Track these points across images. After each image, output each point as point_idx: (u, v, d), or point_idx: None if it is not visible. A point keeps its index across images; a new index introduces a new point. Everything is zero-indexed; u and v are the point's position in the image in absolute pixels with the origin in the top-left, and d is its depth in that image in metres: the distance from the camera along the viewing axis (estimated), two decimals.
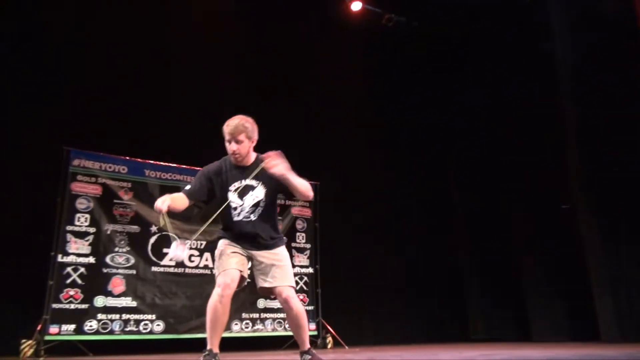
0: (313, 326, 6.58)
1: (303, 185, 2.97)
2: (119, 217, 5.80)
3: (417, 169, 8.48)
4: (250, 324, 6.24)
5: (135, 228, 5.85)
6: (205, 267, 6.15)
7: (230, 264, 2.93)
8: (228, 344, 5.99)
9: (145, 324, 5.62)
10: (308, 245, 6.92)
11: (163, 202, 2.75)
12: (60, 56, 6.02)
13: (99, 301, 5.44)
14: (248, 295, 6.32)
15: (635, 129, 6.06)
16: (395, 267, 7.68)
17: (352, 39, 8.21)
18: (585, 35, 6.76)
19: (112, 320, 5.45)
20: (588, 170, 6.64)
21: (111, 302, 5.50)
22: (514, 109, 7.92)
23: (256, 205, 2.98)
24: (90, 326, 5.32)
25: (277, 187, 3.02)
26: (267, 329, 6.32)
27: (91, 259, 5.51)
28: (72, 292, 5.32)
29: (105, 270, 5.56)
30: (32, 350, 4.86)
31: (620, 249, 6.30)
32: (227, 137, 2.94)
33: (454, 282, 8.38)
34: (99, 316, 5.39)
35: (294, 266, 6.61)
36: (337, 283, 7.00)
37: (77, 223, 5.54)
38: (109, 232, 5.69)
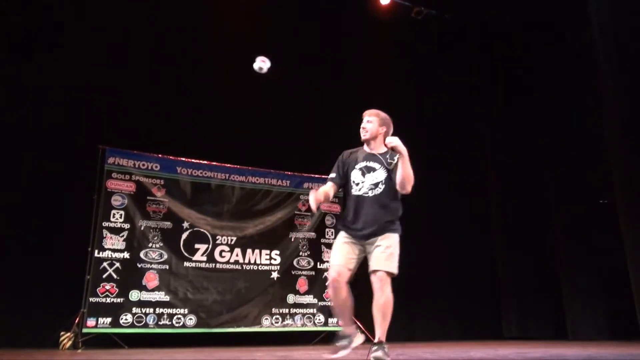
0: None
1: (409, 173, 3.17)
2: (152, 214, 5.94)
3: (451, 163, 8.33)
4: (280, 319, 6.28)
5: (167, 224, 5.98)
6: (236, 262, 6.23)
7: (336, 258, 3.18)
8: (258, 339, 6.08)
9: (178, 318, 5.74)
10: None
11: (316, 193, 3.15)
12: (95, 57, 6.19)
13: (134, 295, 5.58)
14: (278, 290, 6.38)
15: None
16: (427, 263, 7.58)
17: (381, 33, 8.12)
18: (625, 25, 6.50)
19: (146, 314, 5.59)
20: (628, 164, 6.40)
21: (145, 296, 5.64)
22: (554, 101, 7.70)
23: (375, 184, 3.20)
24: (126, 319, 5.47)
25: (395, 178, 3.18)
26: (297, 324, 6.35)
27: (126, 254, 5.66)
28: (108, 287, 5.48)
29: (139, 265, 5.70)
30: (70, 343, 5.03)
31: None
32: (363, 115, 3.38)
33: (488, 278, 8.22)
34: (134, 310, 5.54)
35: (323, 262, 6.70)
36: (367, 279, 6.95)
37: (112, 219, 5.70)
38: (142, 228, 5.83)
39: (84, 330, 5.21)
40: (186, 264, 5.96)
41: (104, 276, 5.48)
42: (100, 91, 6.14)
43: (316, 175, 7.03)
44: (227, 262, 6.19)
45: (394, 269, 3.15)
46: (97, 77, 6.14)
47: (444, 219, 8.00)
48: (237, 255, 6.26)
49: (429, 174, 8.11)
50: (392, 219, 3.21)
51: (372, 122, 3.36)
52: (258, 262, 6.36)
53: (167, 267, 5.85)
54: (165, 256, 5.87)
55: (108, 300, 5.44)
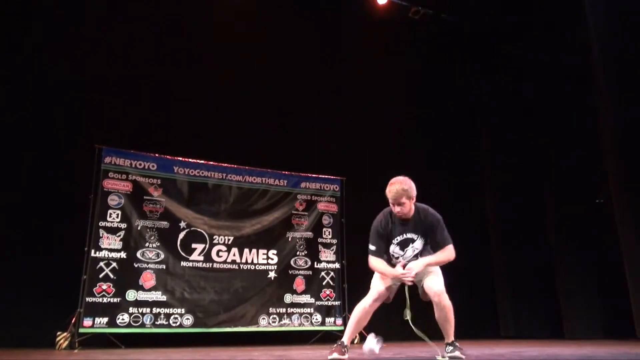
0: (340, 321, 6.59)
1: (445, 258, 3.39)
2: (149, 213, 5.93)
3: (447, 163, 8.35)
4: (277, 318, 6.29)
5: (164, 224, 5.97)
6: (233, 262, 6.23)
7: (381, 285, 3.42)
8: (255, 339, 6.08)
9: (175, 318, 5.74)
10: (334, 241, 6.92)
11: (404, 275, 3.24)
12: (92, 56, 6.18)
13: (131, 295, 5.57)
14: (275, 290, 6.38)
15: None
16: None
17: (379, 32, 8.13)
18: (621, 25, 6.52)
19: (143, 314, 5.58)
20: (623, 164, 6.42)
21: (142, 296, 5.63)
22: (548, 102, 7.72)
23: (416, 256, 3.38)
24: (122, 319, 5.46)
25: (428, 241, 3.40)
26: (294, 324, 6.36)
27: (122, 254, 5.65)
28: (104, 286, 5.47)
29: (136, 265, 5.70)
30: (67, 343, 5.02)
31: None
32: (390, 201, 3.32)
33: (484, 278, 8.24)
34: (131, 310, 5.53)
35: (320, 261, 6.71)
36: (364, 279, 6.95)
37: (109, 219, 5.69)
38: (139, 227, 5.82)
39: (81, 330, 5.20)
40: (183, 263, 5.96)
41: (101, 276, 5.48)
42: (97, 90, 6.13)
43: (313, 175, 7.03)
44: (224, 262, 6.19)
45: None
46: (94, 76, 6.13)
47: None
48: (234, 254, 6.26)
49: (424, 173, 8.14)
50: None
51: (404, 203, 3.29)
52: (255, 261, 6.36)
53: (164, 266, 5.84)
54: (162, 256, 5.86)
55: (105, 300, 5.43)
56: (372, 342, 3.26)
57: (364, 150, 7.69)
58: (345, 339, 3.30)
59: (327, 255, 6.82)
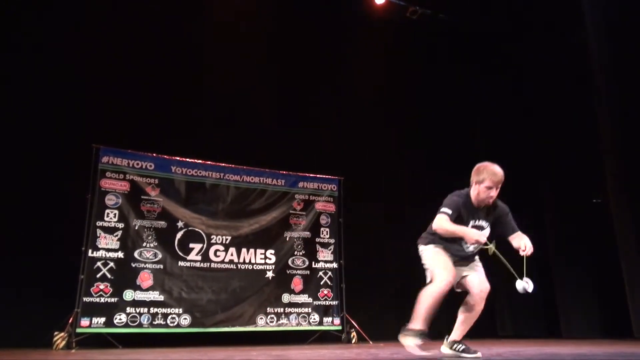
0: (337, 321, 6.58)
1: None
2: (146, 213, 5.91)
3: (443, 164, 8.34)
4: (275, 318, 6.28)
5: (162, 224, 5.96)
6: (231, 261, 6.22)
7: (451, 266, 3.28)
8: (252, 338, 6.08)
9: (173, 318, 5.73)
10: (332, 240, 6.91)
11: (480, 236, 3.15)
12: (89, 55, 6.16)
13: (128, 295, 5.56)
14: (273, 289, 6.37)
15: None
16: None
17: (378, 32, 8.14)
18: (618, 26, 6.53)
19: (140, 314, 5.57)
20: (622, 164, 6.43)
21: (139, 296, 5.62)
22: (546, 102, 7.73)
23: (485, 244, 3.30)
24: (120, 319, 5.45)
25: (502, 230, 3.42)
26: (292, 324, 6.35)
27: (120, 254, 5.63)
28: (102, 286, 5.46)
29: (133, 265, 5.68)
30: (64, 343, 5.00)
31: None
32: (490, 184, 3.22)
33: None
34: (128, 309, 5.52)
35: (318, 261, 6.71)
36: (362, 278, 6.98)
37: (106, 219, 5.67)
38: (137, 227, 5.81)
39: (78, 330, 5.18)
40: (181, 263, 5.95)
41: (98, 276, 5.46)
42: (95, 90, 6.11)
43: (311, 175, 7.03)
44: (222, 262, 6.18)
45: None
46: (92, 75, 6.12)
47: None
48: (231, 254, 6.25)
49: (423, 173, 8.15)
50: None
51: (498, 190, 3.28)
52: (253, 261, 6.35)
53: (162, 266, 5.83)
54: (160, 256, 5.85)
55: (102, 300, 5.42)
56: (524, 284, 3.17)
57: (362, 150, 7.69)
58: (424, 326, 3.15)
59: (324, 255, 6.81)
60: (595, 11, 6.84)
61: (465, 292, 3.46)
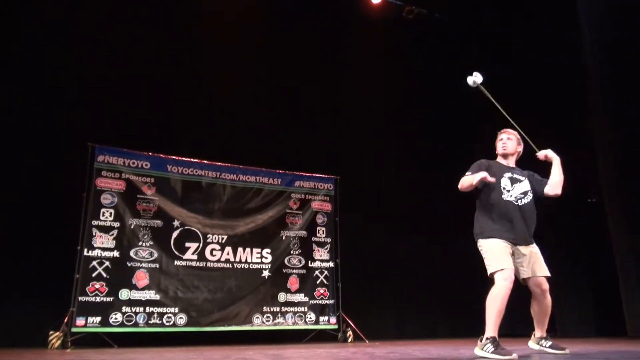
0: (334, 320, 6.59)
1: (562, 177, 3.54)
2: (142, 212, 5.90)
3: (439, 163, 8.35)
4: (271, 317, 6.28)
5: (158, 222, 5.95)
6: (227, 261, 6.21)
7: (509, 261, 3.26)
8: (249, 338, 6.07)
9: (168, 317, 5.72)
10: (328, 240, 6.92)
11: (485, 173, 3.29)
12: (85, 54, 6.14)
13: (124, 294, 5.55)
14: (269, 288, 6.37)
15: None
16: (417, 261, 7.61)
17: (373, 31, 8.14)
18: (612, 26, 6.56)
19: (136, 313, 5.56)
20: (617, 164, 6.47)
21: (135, 295, 5.61)
22: (540, 101, 7.75)
23: (524, 193, 3.45)
24: (115, 318, 5.44)
25: (534, 186, 3.53)
26: (288, 323, 6.35)
27: (116, 253, 5.62)
28: (97, 286, 5.44)
29: (129, 264, 5.67)
30: (59, 342, 4.98)
31: None
32: (501, 136, 3.67)
33: (476, 277, 8.26)
34: (124, 309, 5.50)
35: (314, 260, 6.71)
36: (358, 277, 6.98)
37: (102, 218, 5.65)
38: (132, 226, 5.80)
39: (73, 330, 5.16)
40: (177, 262, 5.94)
41: (94, 275, 5.45)
42: (91, 88, 6.09)
43: (307, 174, 7.03)
44: (218, 261, 6.18)
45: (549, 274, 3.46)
46: (88, 74, 6.10)
47: (432, 220, 7.98)
48: (228, 253, 6.25)
49: (420, 173, 8.16)
50: (535, 227, 3.45)
51: (511, 139, 3.63)
52: (249, 260, 6.35)
53: (158, 265, 5.82)
54: (156, 255, 5.84)
55: (97, 299, 5.40)
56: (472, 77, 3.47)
57: (359, 149, 7.69)
58: (496, 333, 3.11)
59: (321, 254, 6.82)
60: (591, 12, 6.87)
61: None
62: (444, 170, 8.34)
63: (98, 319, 5.34)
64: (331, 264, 6.83)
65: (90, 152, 5.72)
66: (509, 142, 3.62)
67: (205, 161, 6.44)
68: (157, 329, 5.62)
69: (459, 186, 3.46)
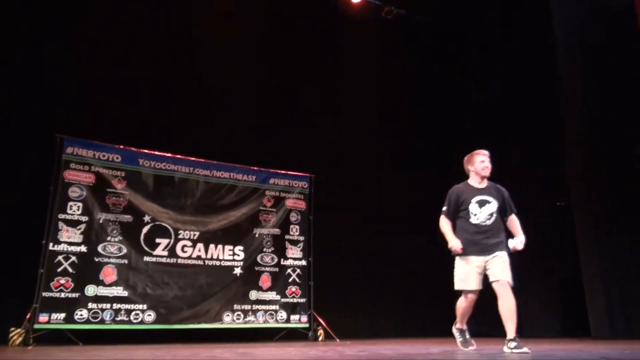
0: (305, 319, 6.57)
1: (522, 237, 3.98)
2: (111, 206, 5.76)
3: (414, 164, 8.42)
4: (242, 315, 6.22)
5: (127, 217, 5.82)
6: (198, 257, 6.12)
7: (472, 282, 3.88)
8: (219, 335, 6.01)
9: (136, 314, 5.60)
10: (302, 238, 6.89)
11: (457, 244, 3.78)
12: (54, 43, 5.96)
13: (90, 290, 5.41)
14: (240, 286, 6.31)
15: (631, 126, 6.06)
16: (390, 261, 7.66)
17: (357, 32, 8.16)
18: (586, 33, 6.72)
19: (102, 310, 5.42)
20: (586, 169, 6.63)
21: (102, 291, 5.47)
22: (513, 104, 7.89)
23: (491, 214, 3.85)
24: (81, 315, 5.29)
25: (502, 205, 3.94)
26: (259, 321, 6.30)
27: (83, 248, 5.47)
28: (62, 281, 5.29)
29: (97, 260, 5.53)
30: (20, 339, 4.83)
31: (614, 246, 6.30)
32: (482, 157, 3.94)
33: (446, 278, 8.36)
34: (90, 305, 5.37)
35: (286, 258, 6.68)
36: (331, 276, 6.98)
37: (69, 211, 5.50)
38: (101, 221, 5.65)
39: (36, 326, 5.01)
40: (146, 258, 5.82)
41: (59, 270, 5.29)
42: (60, 77, 5.90)
43: (282, 171, 6.98)
44: (189, 257, 6.08)
45: (511, 279, 3.85)
46: (57, 62, 5.91)
47: (406, 220, 8.01)
48: (199, 250, 6.16)
49: (404, 172, 8.21)
50: (502, 240, 3.85)
51: (489, 160, 3.94)
52: (221, 257, 6.27)
53: (126, 261, 5.69)
54: (125, 250, 5.71)
55: (62, 295, 5.25)
56: None
57: (334, 148, 7.69)
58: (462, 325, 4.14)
59: (294, 252, 6.79)
60: (563, 12, 7.02)
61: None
62: (417, 171, 8.45)
63: (62, 315, 5.19)
64: (304, 263, 6.81)
65: (58, 143, 5.55)
66: (490, 165, 3.91)
67: (179, 156, 6.33)
68: (124, 326, 5.50)
69: (440, 225, 3.96)
